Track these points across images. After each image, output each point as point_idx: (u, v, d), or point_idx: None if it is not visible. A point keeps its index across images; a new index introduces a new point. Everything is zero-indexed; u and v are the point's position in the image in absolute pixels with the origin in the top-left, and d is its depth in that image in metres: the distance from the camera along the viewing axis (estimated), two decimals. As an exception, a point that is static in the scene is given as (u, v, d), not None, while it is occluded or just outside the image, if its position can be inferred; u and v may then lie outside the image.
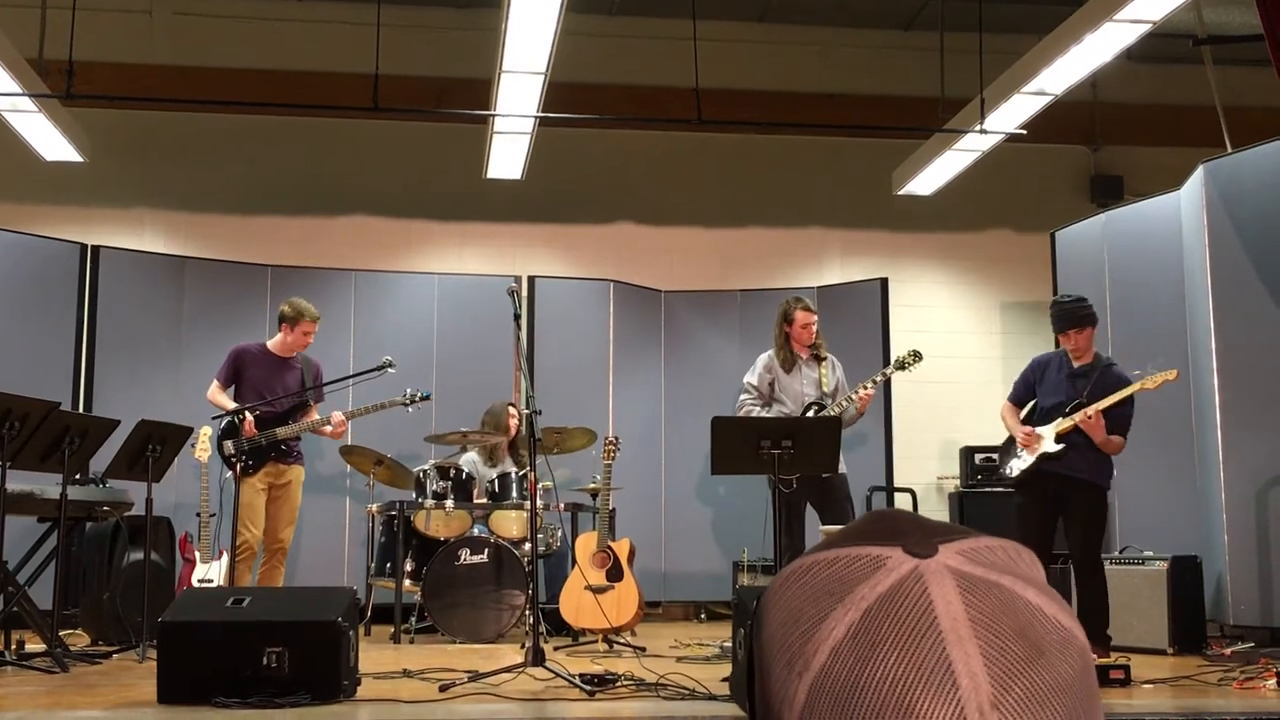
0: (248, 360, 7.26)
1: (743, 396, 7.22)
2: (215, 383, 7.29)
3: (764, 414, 7.05)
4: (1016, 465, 6.18)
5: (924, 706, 0.59)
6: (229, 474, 7.13)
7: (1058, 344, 6.44)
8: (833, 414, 6.89)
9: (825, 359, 7.20)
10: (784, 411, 7.02)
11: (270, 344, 7.36)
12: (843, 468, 6.92)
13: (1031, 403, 6.27)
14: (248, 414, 7.00)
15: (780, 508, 6.66)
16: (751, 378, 7.23)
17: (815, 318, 7.20)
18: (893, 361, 7.17)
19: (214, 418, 7.12)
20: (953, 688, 0.59)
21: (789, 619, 0.65)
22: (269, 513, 7.19)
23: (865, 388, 7.02)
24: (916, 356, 7.06)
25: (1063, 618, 0.64)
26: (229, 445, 7.05)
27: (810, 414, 7.01)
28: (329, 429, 7.37)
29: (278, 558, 7.24)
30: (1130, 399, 6.00)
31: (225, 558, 7.10)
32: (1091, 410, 5.90)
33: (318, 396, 7.46)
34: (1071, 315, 6.09)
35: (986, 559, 0.65)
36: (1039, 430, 6.11)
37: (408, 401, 7.50)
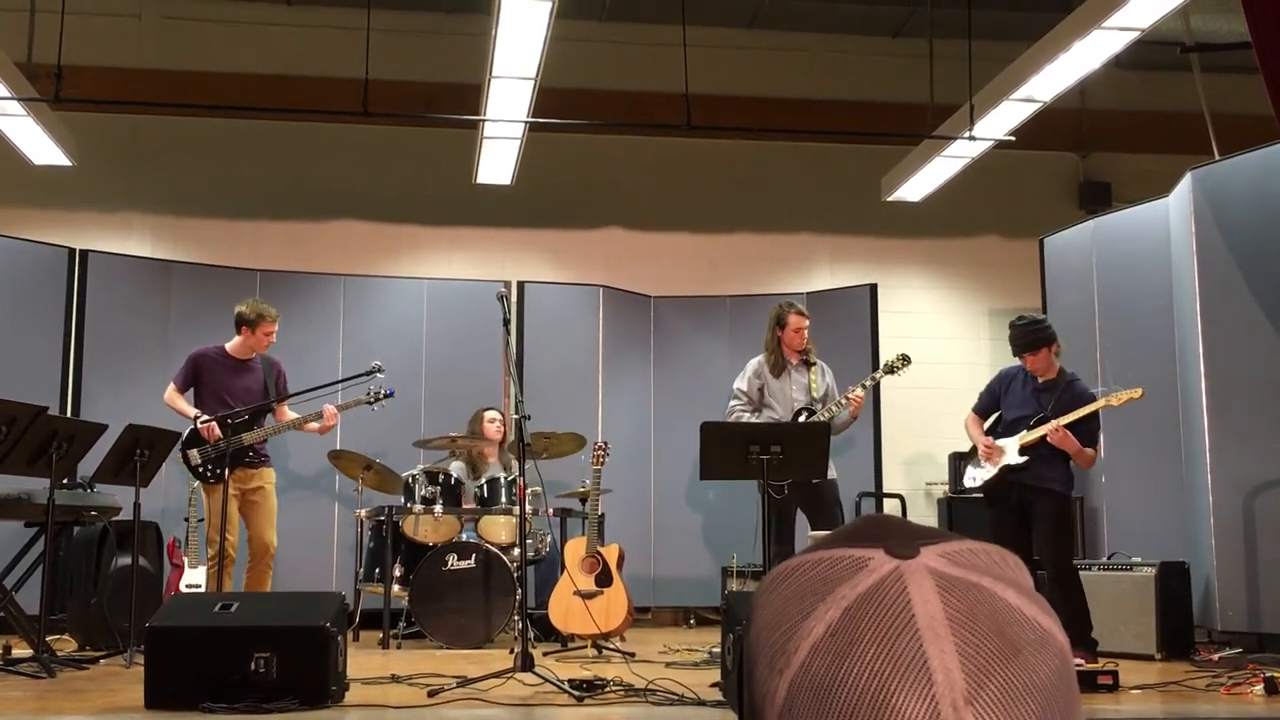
0: (207, 364, 7.09)
1: (733, 402, 7.22)
2: (171, 386, 7.10)
3: (753, 419, 7.04)
4: (979, 475, 6.27)
5: (899, 701, 0.60)
6: (196, 483, 7.05)
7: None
8: (822, 419, 6.89)
9: (815, 364, 7.20)
10: (773, 416, 7.02)
11: (229, 346, 7.17)
12: (833, 473, 6.92)
13: (995, 414, 6.34)
14: (205, 417, 6.88)
15: (770, 513, 6.67)
16: (741, 383, 7.22)
17: (808, 322, 7.20)
18: (882, 365, 7.18)
19: (201, 422, 7.00)
20: (928, 683, 0.60)
21: (773, 619, 0.66)
22: (249, 518, 7.07)
23: (857, 390, 7.02)
24: (905, 360, 7.07)
25: (1042, 619, 0.64)
26: (195, 455, 6.91)
27: (800, 420, 7.01)
28: (317, 425, 7.25)
29: (265, 562, 7.10)
30: (1096, 414, 6.08)
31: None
32: (1061, 422, 5.98)
33: (281, 399, 7.29)
34: (1024, 340, 6.19)
35: (968, 561, 0.66)
36: (1001, 443, 6.17)
37: (371, 400, 7.41)
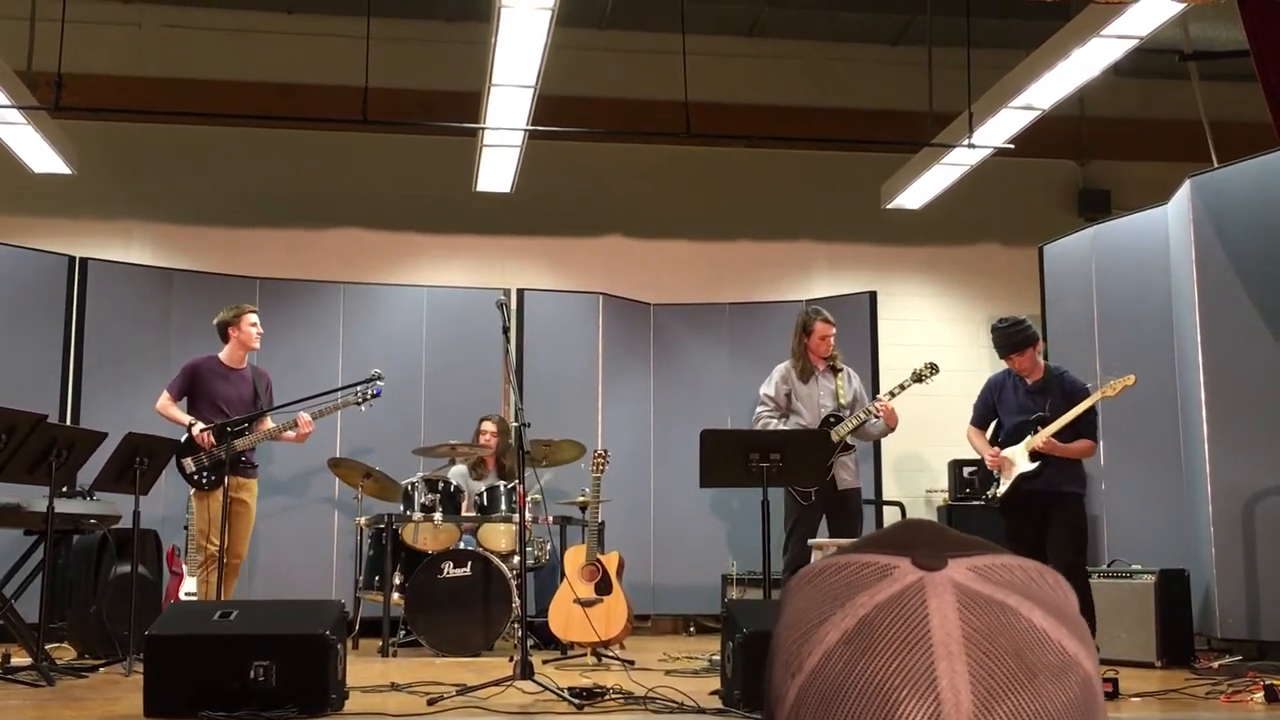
0: (203, 373, 7.13)
1: (759, 409, 7.16)
2: (165, 395, 7.12)
3: (781, 426, 6.97)
4: (999, 490, 6.27)
5: (903, 718, 0.58)
6: (190, 491, 7.04)
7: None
8: (850, 426, 6.88)
9: (841, 370, 7.15)
10: (800, 423, 6.95)
11: (222, 356, 7.21)
12: (857, 481, 6.94)
13: (994, 422, 6.33)
14: (200, 425, 6.90)
15: (797, 521, 6.67)
16: (768, 389, 7.16)
17: (834, 329, 7.16)
18: (910, 374, 7.08)
19: (202, 429, 6.98)
20: (934, 702, 0.58)
21: (793, 620, 0.66)
22: (228, 526, 7.06)
23: (885, 398, 6.96)
24: (934, 369, 6.98)
25: (1068, 643, 0.62)
26: (189, 463, 6.91)
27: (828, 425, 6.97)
28: (292, 434, 7.25)
29: (235, 568, 7.05)
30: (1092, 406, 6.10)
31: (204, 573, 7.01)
32: (1045, 434, 5.99)
33: (269, 409, 7.29)
34: (1008, 341, 6.20)
35: (999, 577, 0.64)
36: (1007, 452, 6.16)
37: (360, 401, 7.42)
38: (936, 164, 8.60)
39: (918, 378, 7.04)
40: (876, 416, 6.93)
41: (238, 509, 7.04)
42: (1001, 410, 6.31)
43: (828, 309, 9.42)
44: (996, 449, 6.22)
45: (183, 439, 6.93)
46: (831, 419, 6.97)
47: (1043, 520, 6.13)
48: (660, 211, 10.37)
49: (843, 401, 7.04)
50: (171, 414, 7.06)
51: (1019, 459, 6.12)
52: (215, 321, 7.28)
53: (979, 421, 6.43)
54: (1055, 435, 6.05)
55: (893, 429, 7.15)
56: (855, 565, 0.66)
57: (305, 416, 7.18)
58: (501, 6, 6.36)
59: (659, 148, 10.03)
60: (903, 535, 0.67)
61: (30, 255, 8.34)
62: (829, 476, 6.76)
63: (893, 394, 7.04)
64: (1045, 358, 6.52)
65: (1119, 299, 7.80)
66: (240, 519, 7.06)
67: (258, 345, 7.29)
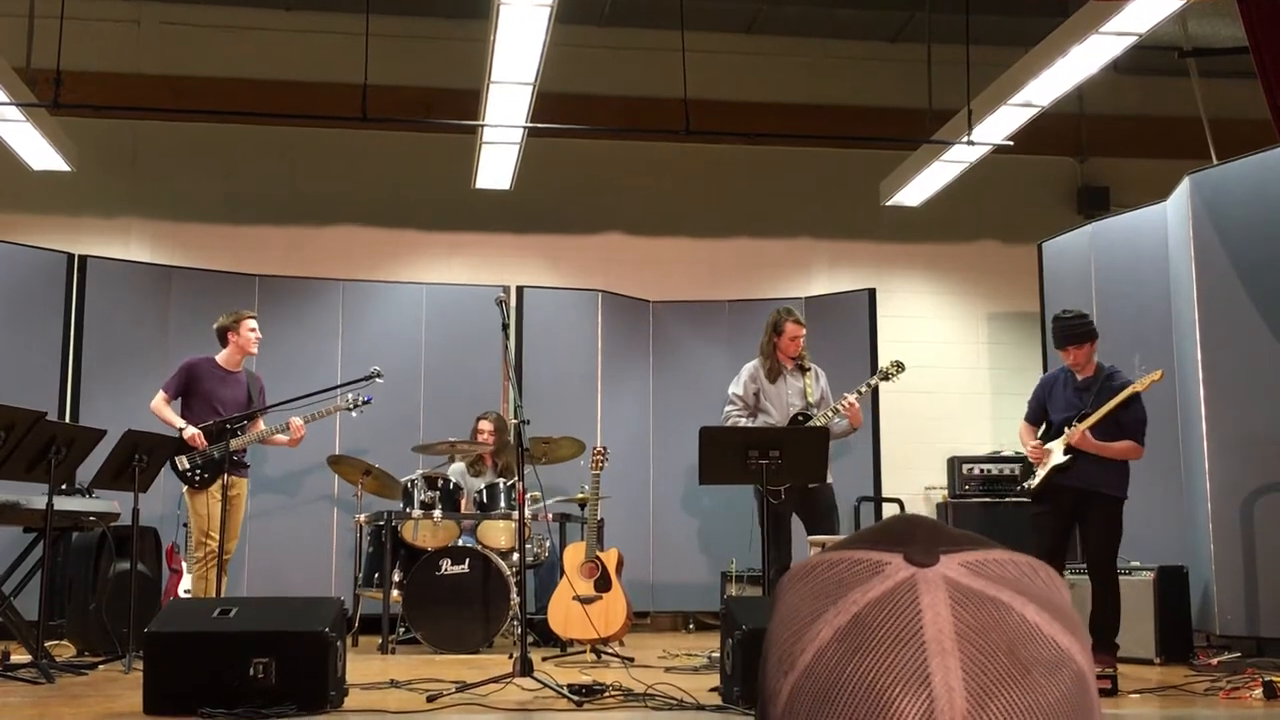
0: (200, 373, 7.16)
1: (728, 408, 7.22)
2: (161, 394, 7.13)
3: (749, 424, 7.03)
4: (1033, 481, 6.24)
5: (896, 715, 0.58)
6: (183, 488, 7.05)
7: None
8: (819, 424, 6.90)
9: (809, 369, 7.20)
10: (769, 421, 7.01)
11: (219, 359, 7.24)
12: (829, 478, 6.93)
13: (1046, 421, 6.30)
14: (192, 430, 6.92)
15: (767, 518, 6.65)
16: (737, 388, 7.22)
17: (804, 330, 7.21)
18: (877, 372, 7.15)
19: (193, 433, 6.98)
20: (928, 698, 0.58)
21: (786, 617, 0.66)
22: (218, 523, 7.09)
23: (851, 396, 7.00)
24: (899, 367, 7.07)
25: (1061, 638, 0.62)
26: (183, 460, 6.93)
27: (796, 424, 7.00)
28: (283, 438, 7.27)
29: (223, 565, 7.12)
30: (1138, 404, 5.99)
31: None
32: (1080, 429, 5.94)
33: (262, 410, 7.32)
34: (1069, 332, 6.14)
35: (991, 572, 0.64)
36: (1049, 445, 6.13)
37: (351, 406, 7.45)
38: (936, 161, 8.60)
39: (884, 376, 7.08)
40: (842, 416, 6.96)
41: (226, 508, 7.05)
42: (1051, 408, 6.26)
43: (827, 306, 9.48)
44: (1039, 443, 6.18)
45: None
46: (800, 417, 7.00)
47: (1074, 517, 6.08)
48: (659, 209, 10.37)
49: (811, 400, 7.07)
50: (165, 415, 7.07)
51: (1055, 451, 6.10)
52: (215, 327, 7.31)
53: (1031, 418, 6.38)
54: (1094, 432, 5.99)
55: (856, 429, 7.21)
56: (848, 562, 0.65)
57: (297, 421, 7.21)
58: (501, 4, 6.35)
59: (658, 145, 10.02)
60: (896, 530, 0.67)
61: (29, 252, 8.33)
62: None
63: (859, 393, 7.07)
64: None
65: (1118, 296, 7.80)
66: (229, 516, 7.08)
67: (256, 350, 7.32)
